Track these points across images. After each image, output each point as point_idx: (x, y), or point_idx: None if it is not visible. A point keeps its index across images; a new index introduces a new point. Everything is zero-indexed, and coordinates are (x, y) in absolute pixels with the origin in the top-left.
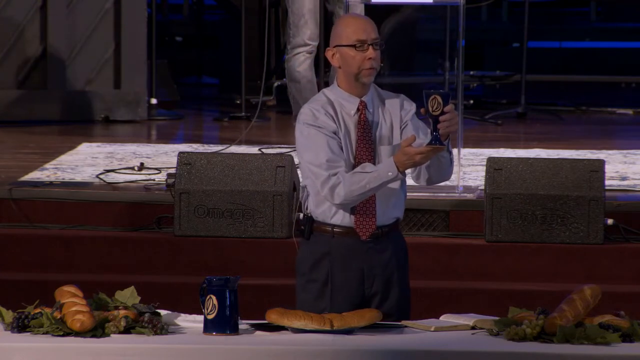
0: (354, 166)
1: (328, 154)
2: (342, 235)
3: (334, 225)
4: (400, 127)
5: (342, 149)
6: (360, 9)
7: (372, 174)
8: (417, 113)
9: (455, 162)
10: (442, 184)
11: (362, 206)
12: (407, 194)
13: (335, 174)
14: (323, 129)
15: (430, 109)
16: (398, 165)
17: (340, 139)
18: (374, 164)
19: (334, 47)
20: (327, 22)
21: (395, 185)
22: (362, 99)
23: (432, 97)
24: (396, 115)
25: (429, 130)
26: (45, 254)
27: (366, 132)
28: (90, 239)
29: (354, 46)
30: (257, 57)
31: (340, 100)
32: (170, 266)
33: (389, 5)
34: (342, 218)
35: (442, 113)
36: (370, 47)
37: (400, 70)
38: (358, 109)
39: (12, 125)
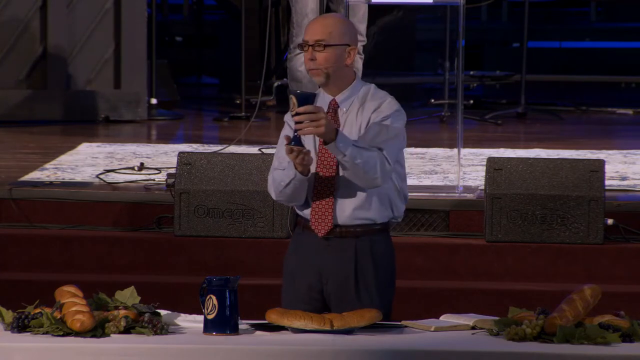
0: (317, 164)
1: (281, 150)
2: (308, 230)
3: (305, 220)
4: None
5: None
6: (363, 9)
7: (284, 172)
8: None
9: (455, 162)
10: (442, 183)
11: (318, 202)
12: (409, 194)
13: (276, 170)
14: (290, 123)
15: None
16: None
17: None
18: (336, 164)
19: None
20: None
21: (358, 183)
22: (335, 98)
23: (290, 97)
24: (367, 116)
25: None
26: (45, 254)
27: None
28: (90, 239)
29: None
30: (257, 57)
31: (321, 98)
32: (170, 266)
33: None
34: (308, 213)
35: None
36: (310, 48)
37: (400, 70)
38: (329, 108)
39: (12, 125)
